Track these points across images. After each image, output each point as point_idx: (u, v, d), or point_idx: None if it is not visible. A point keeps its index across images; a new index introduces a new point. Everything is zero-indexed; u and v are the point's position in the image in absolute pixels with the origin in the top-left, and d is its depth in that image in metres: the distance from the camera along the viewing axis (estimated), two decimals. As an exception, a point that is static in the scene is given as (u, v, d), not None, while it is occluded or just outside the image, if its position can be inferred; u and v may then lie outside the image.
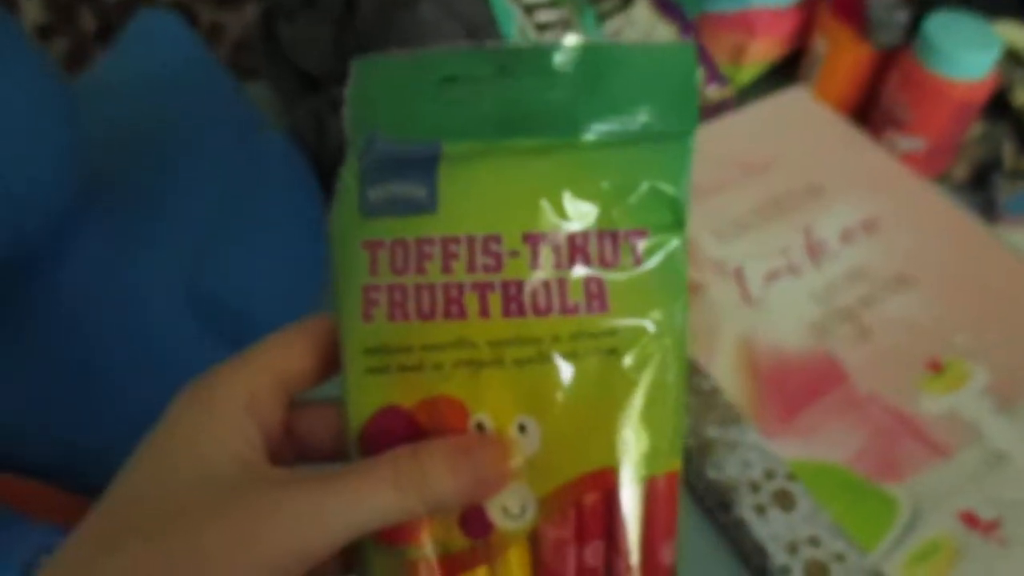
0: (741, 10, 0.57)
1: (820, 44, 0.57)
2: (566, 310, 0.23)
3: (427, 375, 0.23)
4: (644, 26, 0.58)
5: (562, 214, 0.23)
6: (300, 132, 0.53)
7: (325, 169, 0.51)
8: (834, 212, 0.51)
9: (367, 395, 0.23)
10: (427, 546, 0.23)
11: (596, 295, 0.23)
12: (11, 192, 0.32)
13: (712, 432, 0.42)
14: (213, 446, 0.22)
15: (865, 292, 0.48)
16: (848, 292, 0.48)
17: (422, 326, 0.23)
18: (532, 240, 0.23)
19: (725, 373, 0.44)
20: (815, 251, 0.49)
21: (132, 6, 0.70)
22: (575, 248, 0.23)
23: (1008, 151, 0.57)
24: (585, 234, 0.23)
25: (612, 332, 0.23)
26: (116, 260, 0.39)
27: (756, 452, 0.41)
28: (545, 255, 0.23)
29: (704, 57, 0.57)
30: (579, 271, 0.23)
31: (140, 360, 0.38)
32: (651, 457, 0.23)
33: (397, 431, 0.23)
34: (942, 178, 0.57)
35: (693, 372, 0.44)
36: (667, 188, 0.23)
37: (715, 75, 0.57)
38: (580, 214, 0.23)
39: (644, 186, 0.23)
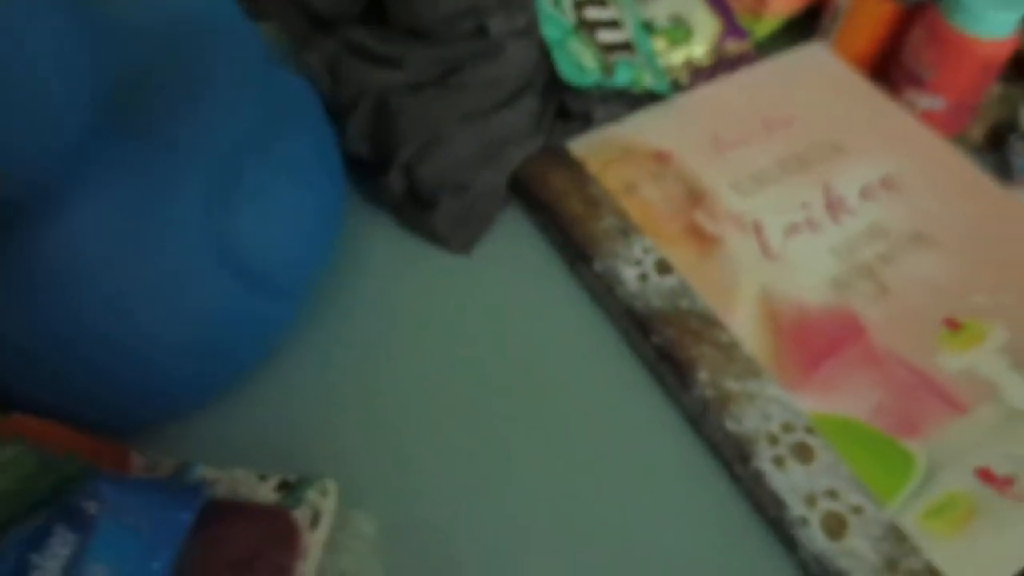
0: (764, -39, 0.56)
1: (842, -2, 0.56)
2: None
3: None
4: (664, -25, 0.57)
5: None
6: (312, 76, 0.52)
7: (339, 114, 0.50)
8: (854, 169, 0.51)
9: None
10: None
11: None
12: (31, 111, 0.31)
13: (732, 384, 0.42)
14: None
15: (884, 249, 0.47)
16: (867, 249, 0.47)
17: None
18: None
19: (745, 326, 0.44)
20: (835, 207, 0.49)
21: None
22: None
23: (1026, 113, 0.56)
24: None
25: None
26: (135, 201, 0.38)
27: (776, 405, 0.41)
28: None
29: (723, 9, 0.56)
30: None
31: (168, 301, 0.37)
32: None
33: None
34: (959, 138, 0.57)
35: (712, 325, 0.44)
36: None
37: (734, 28, 0.56)
38: None
39: None
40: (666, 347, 0.43)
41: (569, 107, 0.51)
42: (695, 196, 0.49)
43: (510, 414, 0.43)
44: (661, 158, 0.51)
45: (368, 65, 0.50)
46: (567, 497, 0.41)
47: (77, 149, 0.36)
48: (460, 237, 0.49)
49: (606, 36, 0.53)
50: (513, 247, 0.50)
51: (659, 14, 0.56)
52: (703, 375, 0.42)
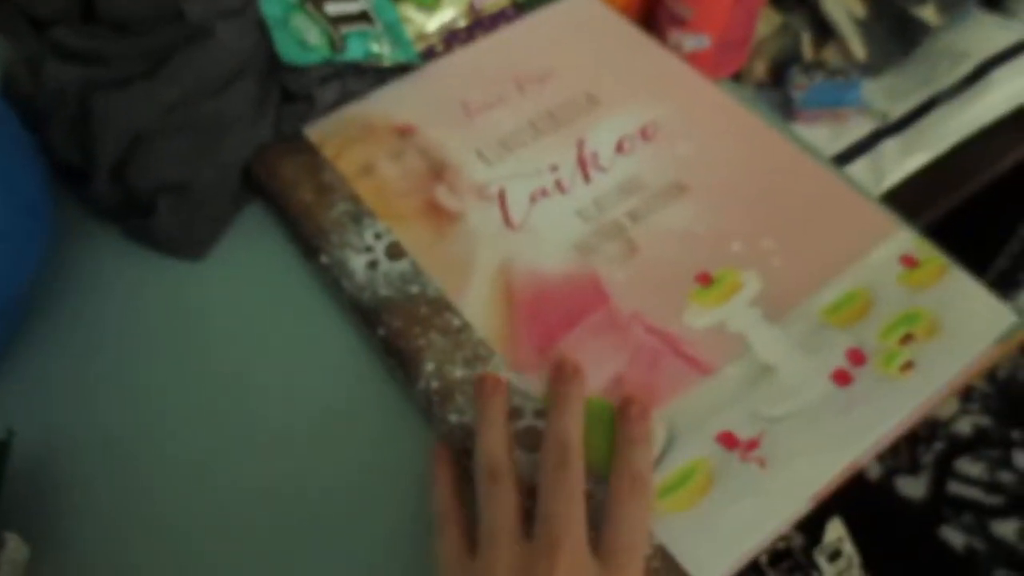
0: (510, -91, 0.52)
1: (598, -59, 0.53)
2: None
3: None
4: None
5: None
6: (16, 80, 0.47)
7: (42, 119, 0.46)
8: (611, 121, 0.47)
9: None
10: None
11: None
12: None
13: (458, 372, 0.38)
14: None
15: (636, 205, 0.44)
16: (618, 206, 0.44)
17: None
18: None
19: (478, 307, 0.40)
20: (587, 165, 0.45)
21: None
22: None
23: (806, 42, 0.53)
24: None
25: None
26: None
27: (503, 390, 0.38)
28: None
29: (474, -36, 0.52)
30: None
31: None
32: None
33: None
34: (739, 77, 0.53)
35: (443, 309, 0.40)
36: None
37: (487, -17, 0.52)
38: None
39: None
40: (391, 339, 0.40)
41: (289, 89, 0.46)
42: (437, 170, 0.45)
43: (238, 421, 0.40)
44: (404, 133, 0.47)
45: (71, 64, 0.46)
46: (292, 502, 0.37)
47: None
48: (187, 242, 0.45)
49: (336, 8, 0.48)
50: (253, 246, 0.46)
51: (405, -23, 0.52)
52: (429, 366, 0.38)
